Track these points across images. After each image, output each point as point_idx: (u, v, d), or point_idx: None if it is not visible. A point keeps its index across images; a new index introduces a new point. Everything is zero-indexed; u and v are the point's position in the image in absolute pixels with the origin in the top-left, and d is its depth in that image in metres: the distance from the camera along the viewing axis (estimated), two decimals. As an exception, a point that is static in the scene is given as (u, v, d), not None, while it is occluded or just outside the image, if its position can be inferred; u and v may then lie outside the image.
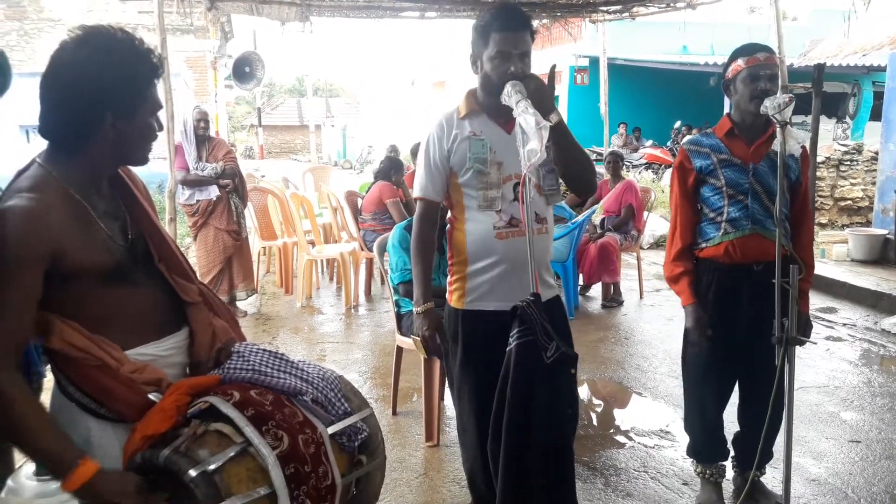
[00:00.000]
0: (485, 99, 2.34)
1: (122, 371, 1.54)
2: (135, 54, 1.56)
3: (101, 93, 1.51)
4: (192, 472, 1.40)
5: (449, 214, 2.47)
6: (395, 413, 3.95)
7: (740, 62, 2.59)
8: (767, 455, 2.84)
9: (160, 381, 1.58)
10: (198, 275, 5.91)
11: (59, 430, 1.49)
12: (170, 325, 1.69)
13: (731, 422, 2.96)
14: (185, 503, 1.43)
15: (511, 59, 2.22)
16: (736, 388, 2.90)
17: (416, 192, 2.44)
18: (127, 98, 1.55)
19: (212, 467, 1.42)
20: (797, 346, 2.36)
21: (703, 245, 2.73)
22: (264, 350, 1.76)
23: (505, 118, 2.31)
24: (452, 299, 2.44)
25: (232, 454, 1.45)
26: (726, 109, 2.76)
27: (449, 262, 2.46)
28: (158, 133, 1.67)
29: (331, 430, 1.65)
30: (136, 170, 1.78)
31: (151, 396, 1.55)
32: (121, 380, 1.53)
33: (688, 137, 2.91)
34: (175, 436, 1.48)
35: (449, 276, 2.47)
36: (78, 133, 1.55)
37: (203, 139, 5.65)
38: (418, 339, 2.47)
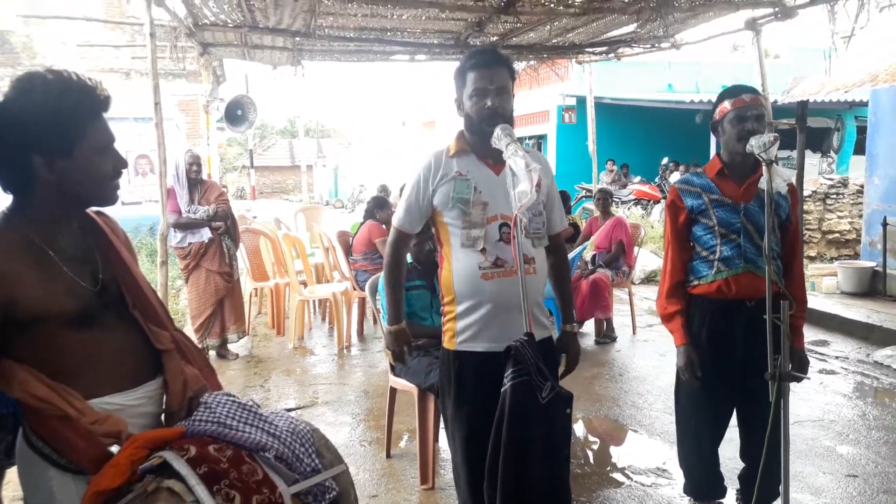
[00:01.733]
0: (472, 139, 2.37)
1: (82, 422, 1.50)
2: (60, 91, 1.51)
3: (22, 135, 1.48)
4: None
5: (438, 251, 2.48)
6: (389, 455, 3.90)
7: (726, 104, 2.64)
8: (772, 494, 2.79)
9: (119, 434, 1.53)
10: (189, 317, 5.78)
11: None
12: (142, 373, 1.66)
13: (729, 458, 2.94)
14: None
15: (488, 94, 2.26)
16: (735, 422, 2.89)
17: (394, 220, 2.50)
18: (55, 137, 1.50)
19: None
20: (792, 382, 2.37)
21: (696, 282, 2.75)
22: (233, 401, 1.70)
23: (494, 159, 2.34)
24: (445, 339, 2.43)
25: None
26: (713, 146, 2.80)
27: (443, 303, 2.46)
28: (120, 169, 1.61)
29: (293, 489, 1.58)
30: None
31: (112, 449, 1.51)
32: (80, 432, 1.49)
33: (679, 176, 2.95)
34: (128, 491, 1.44)
35: (442, 317, 2.46)
36: (16, 179, 1.54)
37: (195, 182, 5.68)
38: (388, 350, 2.66)
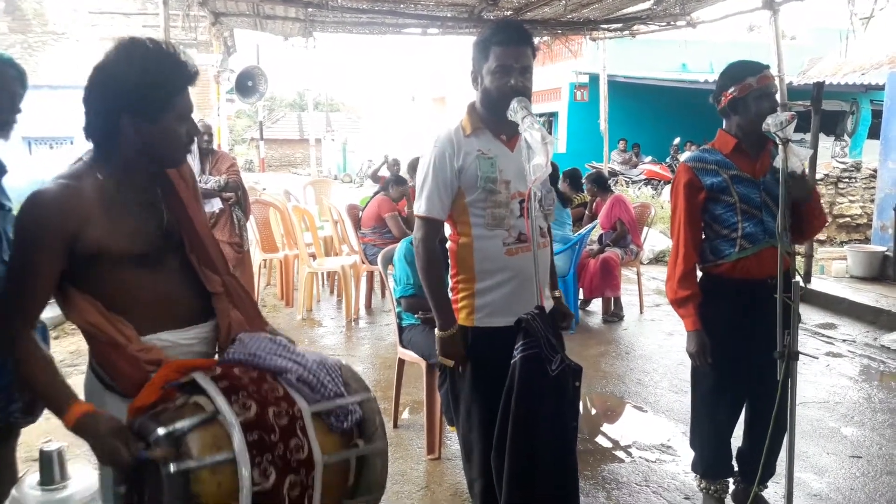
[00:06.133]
0: (486, 116, 2.34)
1: (130, 349, 1.64)
2: (160, 64, 1.64)
3: (120, 99, 1.63)
4: (160, 431, 1.46)
5: (450, 232, 2.43)
6: (396, 426, 3.95)
7: (752, 80, 2.57)
8: (770, 470, 2.83)
9: (160, 361, 1.66)
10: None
11: (60, 381, 1.62)
12: (195, 315, 1.78)
13: (734, 436, 2.96)
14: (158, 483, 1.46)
15: (511, 72, 2.22)
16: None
17: (420, 210, 2.35)
18: (147, 104, 1.64)
19: (177, 428, 1.47)
20: (798, 360, 2.37)
21: (719, 262, 2.70)
22: (267, 338, 1.79)
23: (508, 135, 2.32)
24: (460, 317, 2.39)
25: (198, 420, 1.50)
26: (725, 126, 2.75)
27: (452, 280, 2.43)
28: (193, 136, 1.74)
29: (314, 407, 1.66)
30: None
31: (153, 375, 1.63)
32: (126, 357, 1.64)
33: (689, 154, 2.89)
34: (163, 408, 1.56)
35: (452, 294, 2.43)
36: (103, 135, 1.68)
37: (206, 152, 5.66)
38: (448, 360, 2.39)
